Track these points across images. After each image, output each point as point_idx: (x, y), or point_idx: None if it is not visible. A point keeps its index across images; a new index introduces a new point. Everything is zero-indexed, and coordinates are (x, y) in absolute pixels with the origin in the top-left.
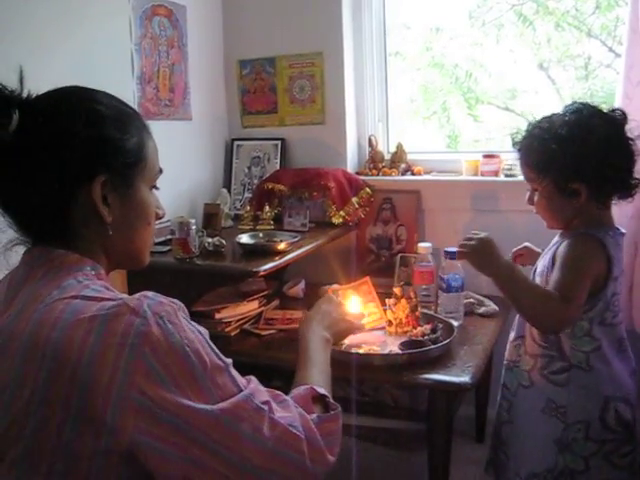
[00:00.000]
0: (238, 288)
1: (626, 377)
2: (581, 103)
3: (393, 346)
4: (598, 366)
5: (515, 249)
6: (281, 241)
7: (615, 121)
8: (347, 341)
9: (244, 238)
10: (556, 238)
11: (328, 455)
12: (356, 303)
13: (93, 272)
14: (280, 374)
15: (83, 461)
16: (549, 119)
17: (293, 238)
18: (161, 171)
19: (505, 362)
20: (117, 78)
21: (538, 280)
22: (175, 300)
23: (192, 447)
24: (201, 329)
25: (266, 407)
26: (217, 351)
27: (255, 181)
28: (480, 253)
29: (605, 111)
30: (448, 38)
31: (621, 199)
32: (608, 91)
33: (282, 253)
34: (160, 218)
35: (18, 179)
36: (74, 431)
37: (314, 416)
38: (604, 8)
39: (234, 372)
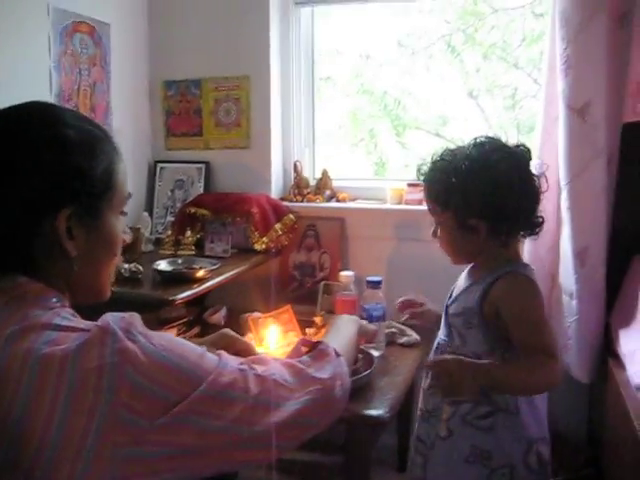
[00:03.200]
0: (158, 315)
1: (544, 415)
2: (486, 137)
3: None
4: (524, 408)
5: (401, 302)
6: (200, 268)
7: (518, 157)
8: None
9: (162, 265)
10: (466, 279)
11: (323, 378)
12: (276, 332)
13: (58, 304)
14: None
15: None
16: (452, 152)
17: (213, 265)
18: (129, 195)
19: (419, 412)
20: (35, 95)
21: (458, 321)
22: (131, 313)
23: (188, 436)
24: (162, 332)
25: (246, 366)
26: (188, 342)
27: (178, 204)
28: (454, 386)
29: (510, 146)
30: (378, 65)
31: (526, 237)
32: (534, 121)
33: (201, 280)
34: (125, 244)
35: None
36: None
37: (303, 357)
38: (530, 41)
39: (209, 354)
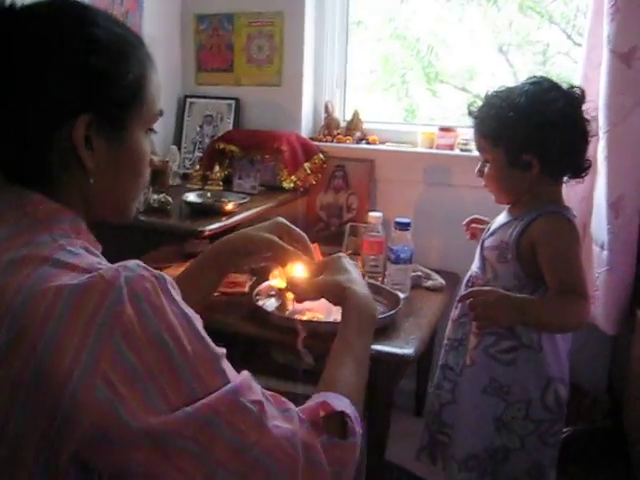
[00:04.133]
0: (183, 248)
1: (565, 357)
2: (541, 76)
3: (337, 315)
4: (547, 346)
5: (469, 220)
6: (229, 201)
7: (573, 97)
8: (291, 307)
9: (191, 197)
10: (506, 216)
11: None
12: (302, 269)
13: (73, 225)
14: (223, 338)
15: (29, 453)
16: (508, 89)
17: (242, 199)
18: (161, 113)
19: (447, 341)
20: None
21: (492, 254)
22: (162, 274)
23: (155, 454)
24: (190, 312)
25: (255, 408)
26: (207, 340)
27: (207, 140)
28: (489, 316)
29: (564, 87)
30: (412, 10)
31: (571, 179)
32: (565, 78)
33: (229, 214)
34: (154, 166)
35: None
36: (22, 416)
37: (324, 437)
38: None
39: (224, 364)
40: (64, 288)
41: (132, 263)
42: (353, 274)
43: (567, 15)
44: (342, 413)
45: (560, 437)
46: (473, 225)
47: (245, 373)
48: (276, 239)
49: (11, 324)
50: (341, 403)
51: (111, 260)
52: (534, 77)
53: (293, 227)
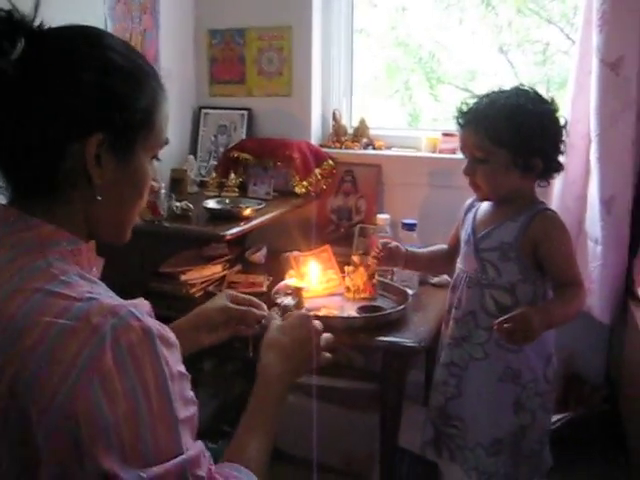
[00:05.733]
0: (201, 252)
1: (554, 332)
2: (525, 86)
3: (351, 311)
4: None
5: (382, 246)
6: (247, 207)
7: (555, 106)
8: (307, 305)
9: (211, 203)
10: (495, 216)
11: None
12: (316, 268)
13: (69, 248)
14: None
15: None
16: (506, 94)
17: (258, 205)
18: (167, 142)
19: (450, 340)
20: None
21: (493, 255)
22: (151, 328)
23: None
24: (168, 371)
25: None
26: (174, 403)
27: (221, 149)
28: (532, 331)
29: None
30: (413, 18)
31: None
32: (564, 77)
33: (247, 219)
34: (154, 192)
35: (10, 116)
36: (10, 447)
37: None
38: None
39: (184, 430)
40: (52, 326)
41: (125, 310)
42: (283, 341)
43: (566, 14)
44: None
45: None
46: (387, 246)
47: (198, 445)
48: (228, 303)
49: (1, 351)
50: None
51: (128, 270)
52: (520, 85)
53: (237, 293)
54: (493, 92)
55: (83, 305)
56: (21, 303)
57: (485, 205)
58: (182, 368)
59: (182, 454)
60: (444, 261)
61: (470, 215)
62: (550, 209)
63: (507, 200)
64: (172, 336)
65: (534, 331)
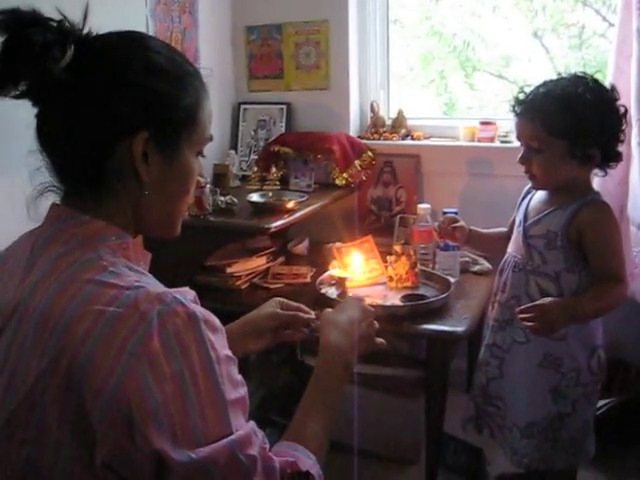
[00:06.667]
0: (245, 245)
1: (602, 325)
2: (583, 72)
3: (394, 299)
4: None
5: (442, 221)
6: (289, 200)
7: (615, 94)
8: (350, 294)
9: (254, 197)
10: (547, 204)
11: None
12: (359, 259)
13: (119, 242)
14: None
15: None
16: (564, 83)
17: (301, 197)
18: (211, 138)
19: (494, 322)
20: None
21: (540, 242)
22: (196, 312)
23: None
24: (215, 355)
25: (248, 462)
26: (222, 386)
27: (261, 143)
28: (551, 323)
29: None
30: (447, 7)
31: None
32: (601, 60)
33: (290, 211)
34: (200, 187)
35: (61, 118)
36: (70, 430)
37: None
38: None
39: (233, 411)
40: (103, 314)
41: (170, 296)
42: (342, 319)
43: None
44: (307, 473)
45: (598, 393)
46: (452, 226)
47: (249, 425)
48: (277, 310)
49: (57, 340)
50: (309, 462)
51: (176, 264)
52: (579, 73)
53: (286, 300)
54: (550, 80)
55: (131, 293)
56: (73, 294)
57: (541, 192)
58: (229, 352)
59: (232, 435)
60: (503, 244)
61: (525, 201)
62: (601, 200)
63: (562, 189)
64: (217, 321)
65: (553, 323)
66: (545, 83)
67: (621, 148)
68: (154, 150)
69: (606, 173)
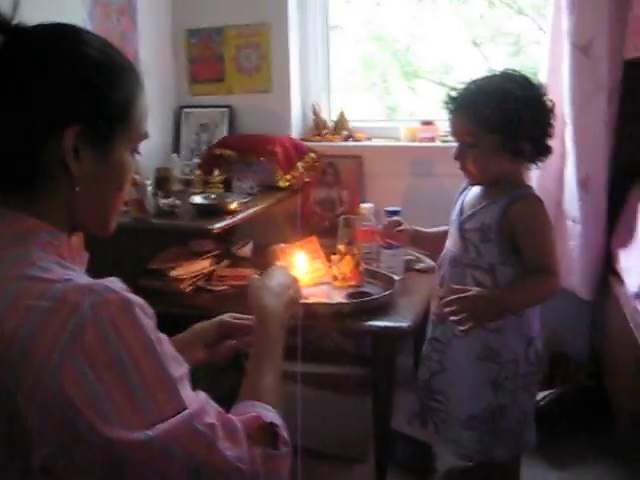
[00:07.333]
0: (189, 248)
1: (538, 316)
2: (512, 69)
3: (339, 298)
4: (527, 310)
5: (385, 226)
6: (233, 201)
7: (543, 90)
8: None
9: (197, 199)
10: (481, 199)
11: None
12: (303, 259)
13: (50, 238)
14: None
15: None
16: (494, 79)
17: (244, 198)
18: (146, 135)
19: (434, 317)
20: None
21: (475, 236)
22: (129, 298)
23: (114, 475)
24: (154, 336)
25: (209, 431)
26: (165, 363)
27: (203, 147)
28: (478, 313)
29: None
30: (387, 12)
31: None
32: (537, 67)
33: (234, 212)
34: (136, 185)
35: None
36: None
37: (260, 450)
38: None
39: (182, 386)
40: (32, 309)
41: (101, 286)
42: (272, 283)
43: (536, 5)
44: (272, 424)
45: (538, 385)
46: (396, 229)
47: (201, 395)
48: (224, 317)
49: None
50: (270, 414)
51: (117, 267)
52: (507, 70)
53: (239, 315)
54: (481, 77)
55: (61, 286)
56: (2, 290)
57: (476, 187)
58: (162, 334)
59: (186, 409)
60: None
61: (462, 197)
62: (533, 194)
63: (495, 183)
64: (149, 307)
65: (479, 314)
66: (476, 80)
67: (551, 142)
68: (86, 145)
69: (538, 167)
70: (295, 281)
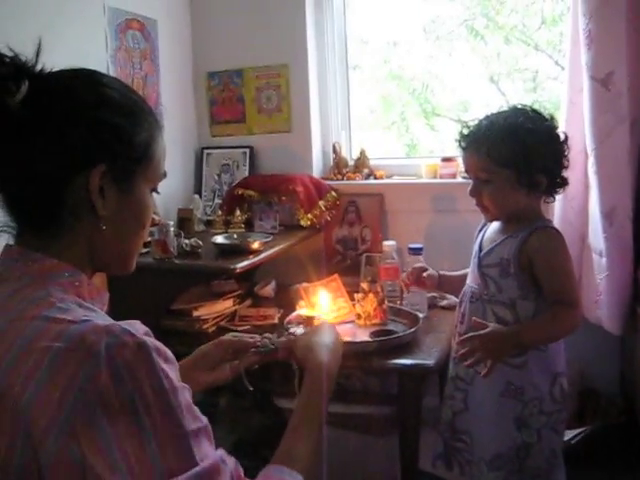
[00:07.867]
0: (211, 288)
1: (564, 352)
2: (522, 105)
3: (363, 336)
4: (551, 346)
5: (411, 273)
6: (255, 240)
7: (554, 122)
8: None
9: (219, 239)
10: (499, 234)
11: None
12: (326, 298)
13: (71, 279)
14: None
15: None
16: (505, 114)
17: (266, 238)
18: (165, 175)
19: (455, 354)
20: None
21: (494, 271)
22: (146, 342)
23: None
24: (169, 384)
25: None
26: (180, 415)
27: (225, 187)
28: (494, 350)
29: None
30: (405, 51)
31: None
32: (555, 102)
33: (256, 252)
34: (155, 225)
35: (15, 153)
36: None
37: None
38: (549, 23)
39: (195, 441)
40: (49, 350)
41: (118, 328)
42: (327, 340)
43: (552, 41)
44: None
45: (565, 423)
46: (423, 275)
47: (217, 453)
48: (224, 337)
49: (1, 379)
50: None
51: (140, 308)
52: (516, 105)
53: (239, 334)
54: (492, 114)
55: (78, 327)
56: (20, 331)
57: (495, 223)
58: (182, 383)
59: (196, 466)
60: None
61: (481, 233)
62: (551, 226)
63: (513, 218)
64: (169, 352)
65: (495, 353)
66: (487, 116)
67: (566, 174)
68: (110, 184)
69: (554, 199)
70: (340, 334)
